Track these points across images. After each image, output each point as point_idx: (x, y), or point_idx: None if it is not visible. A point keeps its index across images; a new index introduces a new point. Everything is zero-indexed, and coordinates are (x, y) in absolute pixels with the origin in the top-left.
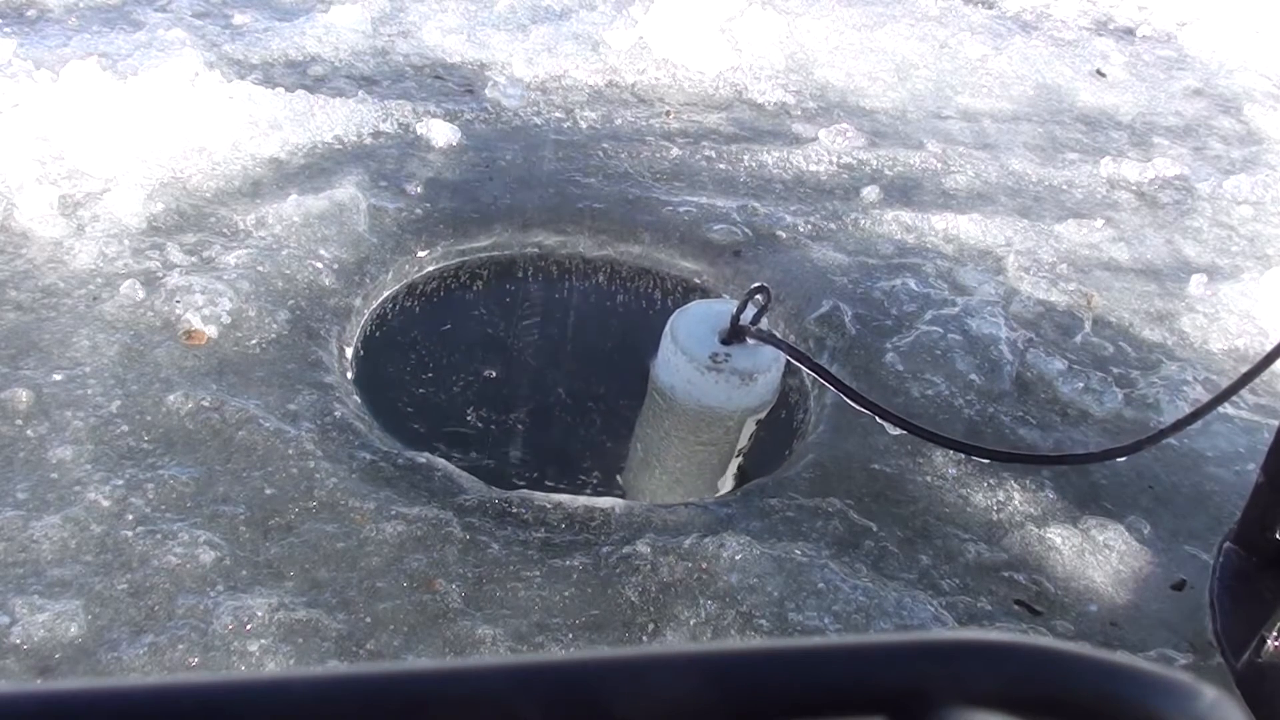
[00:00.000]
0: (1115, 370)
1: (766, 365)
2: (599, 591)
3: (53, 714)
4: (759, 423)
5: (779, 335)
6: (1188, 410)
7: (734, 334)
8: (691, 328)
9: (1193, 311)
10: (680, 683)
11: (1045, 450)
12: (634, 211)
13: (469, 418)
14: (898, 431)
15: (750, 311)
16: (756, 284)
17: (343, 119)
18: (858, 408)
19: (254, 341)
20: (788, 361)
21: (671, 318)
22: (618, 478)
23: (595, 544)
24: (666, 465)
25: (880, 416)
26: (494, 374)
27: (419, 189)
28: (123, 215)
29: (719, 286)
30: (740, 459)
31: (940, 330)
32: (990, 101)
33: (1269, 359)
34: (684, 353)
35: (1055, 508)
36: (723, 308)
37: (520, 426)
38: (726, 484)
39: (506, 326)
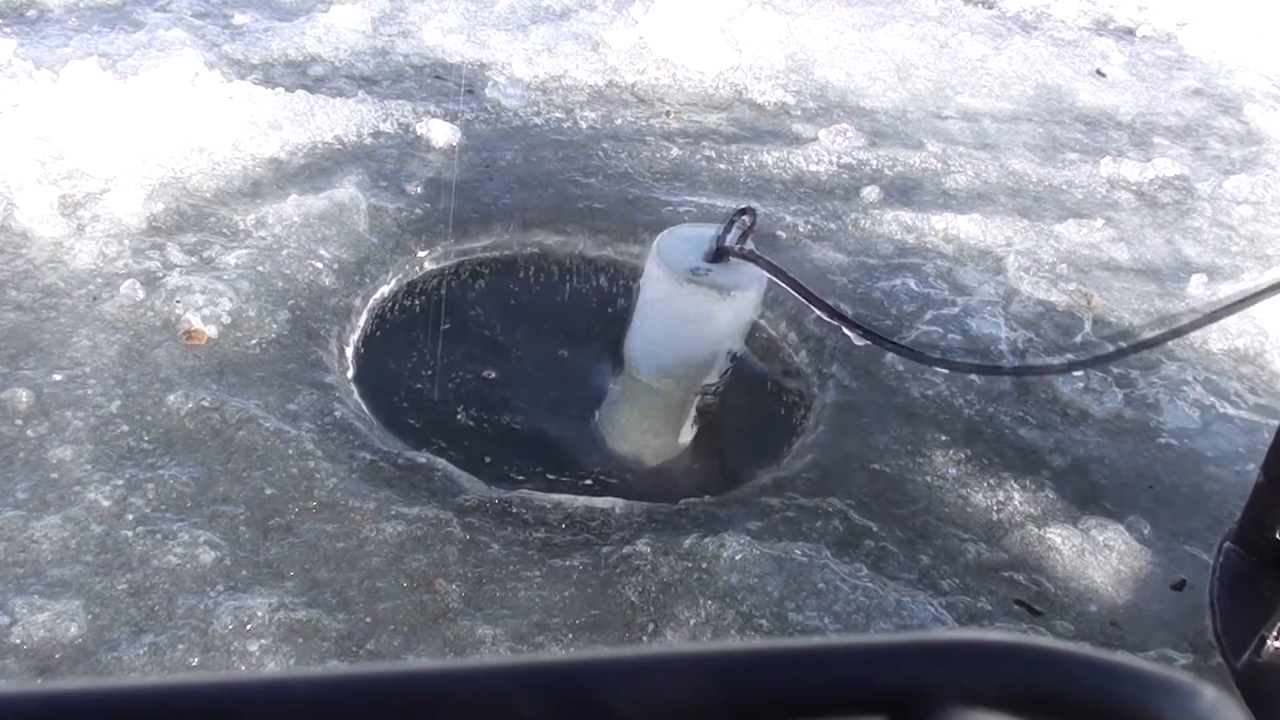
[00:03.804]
0: (1115, 370)
1: (746, 283)
2: (599, 591)
3: (53, 714)
4: (733, 359)
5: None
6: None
7: (718, 254)
8: (677, 245)
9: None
10: (680, 683)
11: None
12: (634, 211)
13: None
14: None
15: (735, 235)
16: (742, 206)
17: (343, 119)
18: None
19: (254, 341)
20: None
21: (659, 236)
22: (596, 413)
23: (595, 544)
24: (636, 399)
25: (848, 328)
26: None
27: (419, 189)
28: (123, 215)
29: None
30: (712, 399)
31: (940, 330)
32: (990, 101)
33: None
34: (666, 265)
35: (1055, 508)
36: (709, 231)
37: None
38: (687, 431)
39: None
